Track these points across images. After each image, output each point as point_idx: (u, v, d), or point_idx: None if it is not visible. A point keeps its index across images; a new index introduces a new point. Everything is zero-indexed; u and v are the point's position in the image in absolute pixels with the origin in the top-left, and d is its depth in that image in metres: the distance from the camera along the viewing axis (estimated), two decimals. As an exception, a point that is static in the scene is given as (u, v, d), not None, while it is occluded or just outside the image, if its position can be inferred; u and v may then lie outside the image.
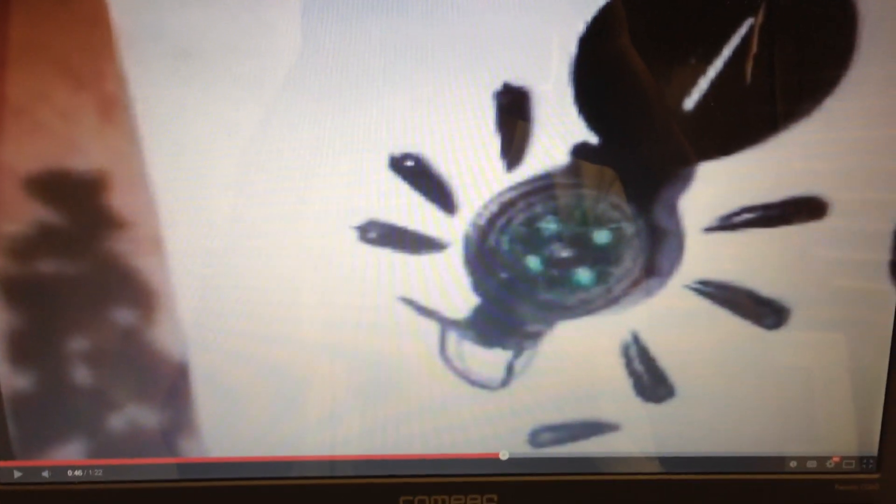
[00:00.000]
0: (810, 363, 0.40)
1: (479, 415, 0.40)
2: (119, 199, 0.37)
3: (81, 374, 0.39)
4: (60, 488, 0.40)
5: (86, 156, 0.37)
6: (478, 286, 0.39)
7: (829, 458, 0.41)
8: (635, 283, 0.39)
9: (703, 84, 0.36)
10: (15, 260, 0.37)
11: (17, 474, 0.40)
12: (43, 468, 0.40)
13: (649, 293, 0.39)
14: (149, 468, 0.40)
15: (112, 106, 0.36)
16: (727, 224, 0.38)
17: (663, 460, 0.41)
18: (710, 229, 0.38)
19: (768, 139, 0.37)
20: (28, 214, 0.37)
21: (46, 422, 0.40)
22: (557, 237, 0.38)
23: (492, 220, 0.38)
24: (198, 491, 0.41)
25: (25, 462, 0.40)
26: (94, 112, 0.36)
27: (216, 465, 0.41)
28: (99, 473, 0.40)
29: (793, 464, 0.41)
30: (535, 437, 0.41)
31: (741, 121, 0.37)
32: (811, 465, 0.41)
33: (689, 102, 0.36)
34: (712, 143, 0.37)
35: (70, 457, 0.40)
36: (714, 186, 0.37)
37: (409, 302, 0.39)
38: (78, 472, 0.40)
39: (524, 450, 0.41)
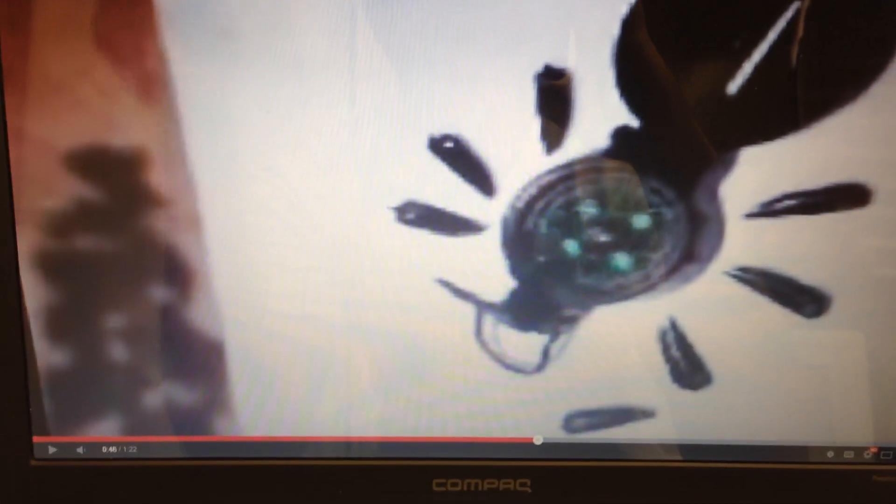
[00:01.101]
0: (850, 352, 0.39)
1: (513, 399, 0.40)
2: (158, 177, 0.37)
3: (118, 351, 0.39)
4: (95, 464, 0.40)
5: (125, 133, 0.37)
6: (515, 269, 0.38)
7: (867, 448, 0.40)
8: (674, 269, 0.38)
9: (748, 68, 0.36)
10: (53, 236, 0.38)
11: (51, 450, 0.40)
12: (78, 444, 0.40)
13: (688, 279, 0.38)
14: (183, 446, 0.40)
15: (152, 83, 0.36)
16: (769, 210, 0.37)
17: (698, 448, 0.41)
18: (751, 215, 0.37)
19: (812, 125, 0.36)
20: (67, 190, 0.37)
21: (82, 398, 0.40)
22: (596, 221, 0.38)
23: (530, 203, 0.38)
24: (231, 470, 0.41)
25: (60, 438, 0.40)
26: (135, 89, 0.36)
27: (250, 444, 0.41)
28: (133, 450, 0.40)
29: (829, 454, 0.40)
30: (569, 423, 0.41)
31: (785, 105, 0.36)
32: (848, 455, 0.40)
33: (733, 86, 0.36)
34: (755, 127, 0.36)
35: (105, 433, 0.40)
36: (756, 172, 0.37)
37: (446, 284, 0.39)
38: (112, 449, 0.40)
39: (558, 435, 0.41)
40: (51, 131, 0.36)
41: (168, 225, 0.38)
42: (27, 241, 0.38)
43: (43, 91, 0.36)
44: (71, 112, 0.36)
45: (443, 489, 0.41)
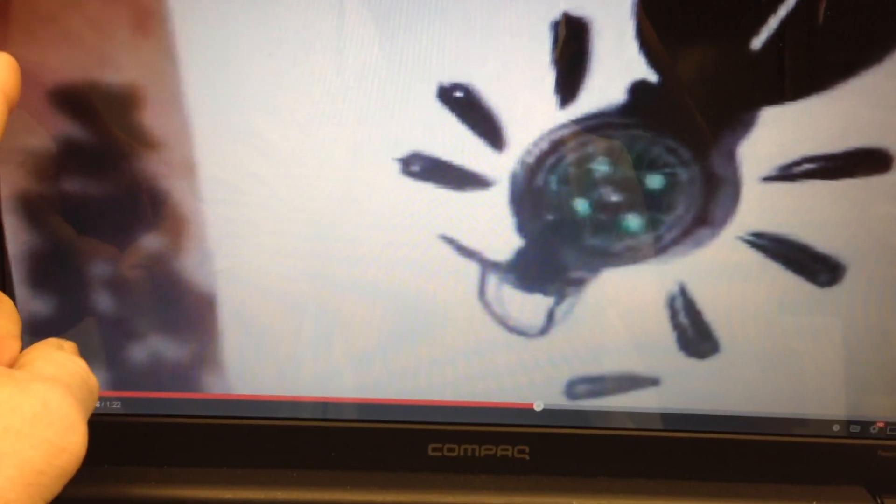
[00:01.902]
0: (861, 324, 0.38)
1: (515, 363, 0.39)
2: (151, 118, 0.35)
3: (103, 302, 0.37)
4: (76, 419, 0.38)
5: (117, 70, 0.35)
6: (522, 227, 0.37)
7: (874, 423, 0.40)
8: (686, 233, 0.37)
9: (773, 23, 0.34)
10: (38, 177, 0.36)
11: (31, 403, 0.38)
12: (59, 398, 0.38)
13: (700, 243, 0.37)
14: (169, 402, 0.39)
15: (148, 18, 0.34)
16: (786, 174, 0.36)
17: (702, 418, 0.40)
18: (768, 179, 0.36)
19: (836, 86, 0.35)
20: (54, 129, 0.35)
21: (64, 349, 0.38)
22: (608, 180, 0.36)
23: (541, 159, 0.36)
24: (219, 428, 0.39)
25: (41, 390, 0.38)
26: (128, 23, 0.34)
27: (240, 402, 0.39)
28: (117, 406, 0.39)
29: (835, 427, 0.40)
30: (571, 389, 0.39)
31: (809, 65, 0.35)
32: (854, 429, 0.40)
33: (757, 42, 0.35)
34: (778, 87, 0.35)
35: (87, 387, 0.38)
36: (776, 133, 0.36)
37: (450, 241, 0.37)
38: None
39: (560, 401, 0.39)
40: (37, 65, 0.34)
41: (161, 170, 0.36)
42: (9, 182, 0.36)
43: (29, 21, 0.34)
44: (59, 45, 0.34)
45: (439, 454, 0.40)
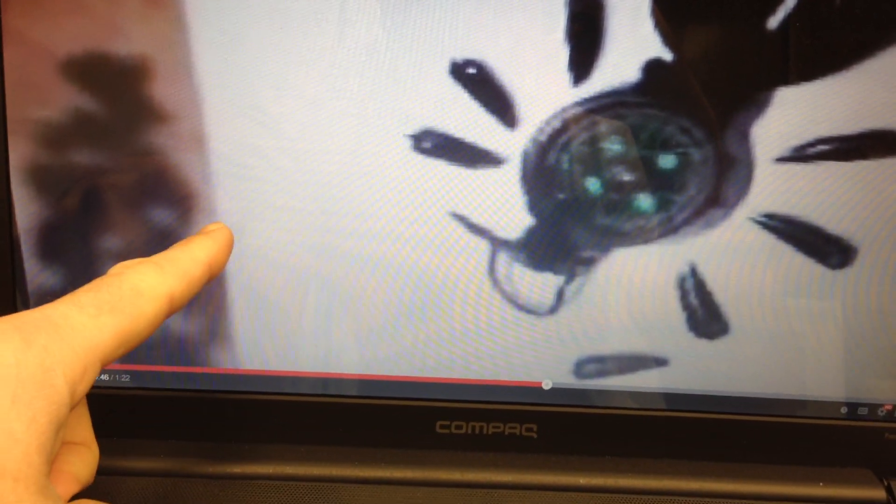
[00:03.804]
0: (872, 307, 0.38)
1: (524, 341, 0.39)
2: (161, 90, 0.35)
3: (112, 275, 0.37)
4: (84, 392, 0.38)
5: (128, 40, 0.34)
6: (533, 206, 0.37)
7: (881, 405, 0.40)
8: (697, 213, 0.37)
9: (790, 2, 0.34)
10: (48, 148, 0.35)
11: (39, 375, 0.38)
12: (67, 371, 0.38)
13: (711, 224, 0.37)
14: (178, 376, 0.39)
15: (159, -11, 0.34)
16: (800, 155, 0.36)
17: (710, 399, 0.40)
18: (781, 160, 0.36)
19: (851, 67, 0.35)
20: (64, 100, 0.35)
21: (73, 322, 0.38)
22: (620, 159, 0.36)
23: (553, 137, 0.36)
24: (227, 403, 0.39)
25: (49, 363, 0.38)
26: (140, -6, 0.34)
27: (247, 377, 0.39)
28: (126, 379, 0.39)
29: (843, 410, 0.40)
30: (580, 368, 0.39)
31: (825, 45, 0.35)
32: (862, 412, 0.40)
33: (773, 21, 0.34)
34: (793, 66, 0.35)
35: (96, 360, 0.38)
36: (790, 114, 0.35)
37: (460, 218, 0.37)
38: (104, 377, 0.39)
39: (568, 380, 0.39)
40: (48, 35, 0.34)
41: (170, 142, 0.36)
42: (19, 153, 0.35)
43: (41, -9, 0.34)
44: (70, 15, 0.34)
45: (447, 431, 0.40)
